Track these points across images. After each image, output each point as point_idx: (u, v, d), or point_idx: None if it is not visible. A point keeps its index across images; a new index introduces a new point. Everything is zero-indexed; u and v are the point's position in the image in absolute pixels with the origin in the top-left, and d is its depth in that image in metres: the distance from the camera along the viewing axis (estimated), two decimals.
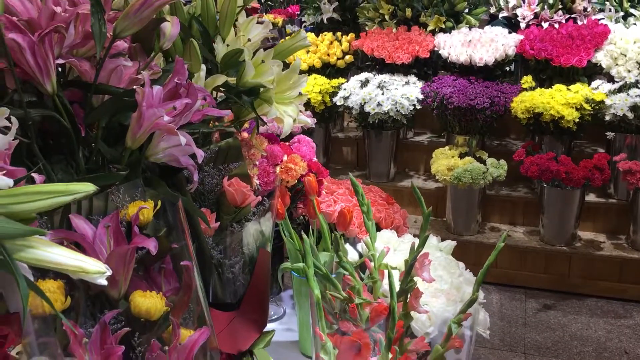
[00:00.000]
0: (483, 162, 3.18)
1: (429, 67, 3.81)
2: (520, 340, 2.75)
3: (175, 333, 0.77)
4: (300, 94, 1.10)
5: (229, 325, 0.99)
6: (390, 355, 0.77)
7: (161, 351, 0.73)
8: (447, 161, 3.15)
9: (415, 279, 0.89)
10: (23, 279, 0.43)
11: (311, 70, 3.92)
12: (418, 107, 3.47)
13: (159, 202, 0.78)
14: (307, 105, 3.63)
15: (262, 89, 1.04)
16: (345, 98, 3.54)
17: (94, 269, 0.46)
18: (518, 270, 3.27)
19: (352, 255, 1.11)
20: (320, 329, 0.80)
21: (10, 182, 0.45)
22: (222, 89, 1.04)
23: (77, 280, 0.70)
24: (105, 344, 0.67)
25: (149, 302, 0.71)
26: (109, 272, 0.47)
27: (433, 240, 1.24)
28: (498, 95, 3.25)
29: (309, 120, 1.17)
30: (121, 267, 0.69)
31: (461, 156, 3.23)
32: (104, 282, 0.47)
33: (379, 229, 1.31)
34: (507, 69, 3.69)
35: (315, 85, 3.65)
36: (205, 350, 0.81)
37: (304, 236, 0.86)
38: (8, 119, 0.62)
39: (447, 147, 3.38)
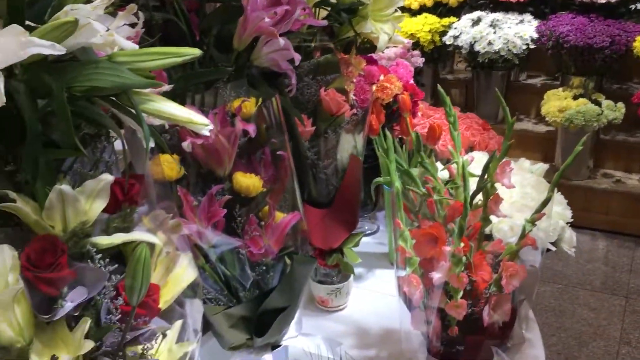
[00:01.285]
0: (598, 104, 3.03)
1: (546, 5, 3.62)
2: (624, 285, 2.67)
3: (271, 213, 0.88)
4: (396, 11, 1.14)
5: (322, 221, 1.09)
6: (462, 244, 0.83)
7: (258, 225, 0.84)
8: (559, 102, 3.03)
9: (496, 185, 0.94)
10: (146, 125, 0.54)
11: (422, 9, 3.86)
12: (532, 46, 3.34)
13: (260, 100, 0.88)
14: (416, 45, 3.60)
15: (360, 7, 1.10)
16: (455, 37, 3.48)
17: (201, 121, 0.56)
18: (630, 218, 3.12)
19: (441, 174, 1.17)
20: (400, 219, 0.88)
21: (136, 46, 0.56)
22: (323, 7, 1.11)
23: (188, 157, 0.82)
24: (210, 211, 0.79)
25: (249, 181, 0.82)
26: (212, 127, 0.57)
27: (526, 163, 1.26)
28: (619, 34, 3.05)
29: (404, 40, 1.21)
30: (227, 146, 0.79)
31: (575, 98, 3.09)
32: (207, 133, 0.57)
33: None
34: (633, 7, 3.42)
35: (425, 25, 3.61)
36: (296, 232, 0.91)
37: (387, 133, 0.93)
38: (135, 15, 0.73)
39: (560, 89, 3.24)
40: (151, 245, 0.62)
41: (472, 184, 0.94)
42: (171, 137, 0.80)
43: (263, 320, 0.85)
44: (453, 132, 1.01)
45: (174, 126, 0.82)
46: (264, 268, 0.85)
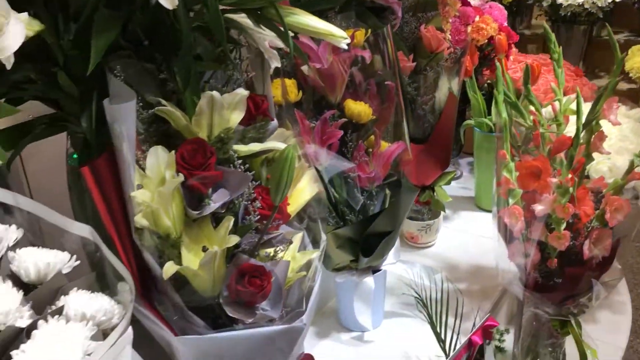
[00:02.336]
0: None
1: None
2: None
3: (377, 141, 0.91)
4: None
5: (417, 157, 1.11)
6: (569, 175, 0.84)
7: (365, 152, 0.88)
8: None
9: (601, 122, 0.93)
10: (289, 35, 0.57)
11: None
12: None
13: (369, 31, 0.90)
14: None
15: None
16: None
17: (339, 34, 0.59)
18: None
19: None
20: (506, 149, 0.89)
21: None
22: None
23: (303, 83, 0.86)
24: (325, 134, 0.83)
25: (360, 107, 0.85)
26: (349, 40, 0.59)
27: (622, 108, 1.23)
28: None
29: None
30: (339, 74, 0.82)
31: None
32: (345, 47, 0.60)
33: None
34: None
35: None
36: (398, 163, 0.94)
37: (498, 64, 0.93)
38: None
39: None
40: None
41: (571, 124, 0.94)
42: (289, 63, 0.83)
43: (368, 243, 0.89)
44: (557, 69, 1.00)
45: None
46: (369, 194, 0.89)
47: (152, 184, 0.59)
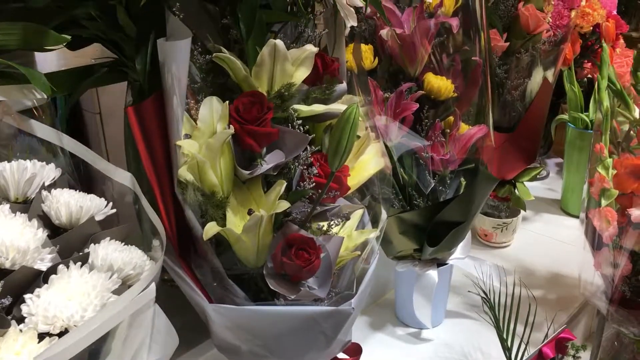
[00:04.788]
0: None
1: None
2: None
3: (456, 123, 0.82)
4: None
5: (500, 147, 1.02)
6: None
7: (442, 133, 0.80)
8: None
9: None
10: None
11: None
12: None
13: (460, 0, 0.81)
14: None
15: None
16: None
17: None
18: None
19: None
20: (604, 142, 0.79)
21: None
22: None
23: (381, 50, 0.79)
24: (399, 107, 0.75)
25: (440, 82, 0.77)
26: None
27: None
28: None
29: None
30: (423, 40, 0.75)
31: None
32: None
33: None
34: None
35: None
36: (479, 149, 0.85)
37: (605, 46, 0.82)
38: None
39: None
40: None
41: None
42: (367, 27, 0.76)
43: (435, 232, 0.81)
44: None
45: (373, 16, 0.78)
46: (441, 179, 0.81)
47: (203, 136, 0.54)
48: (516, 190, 1.08)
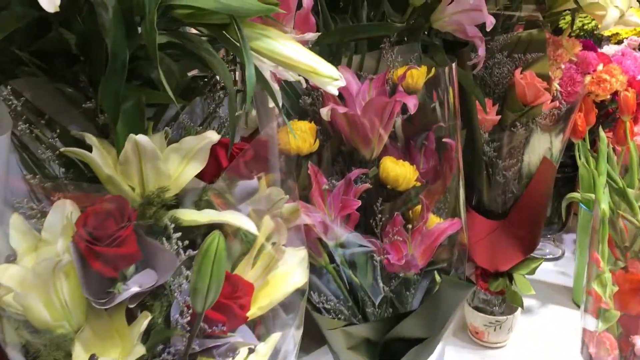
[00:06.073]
0: None
1: None
2: None
3: (423, 215, 0.68)
4: None
5: (490, 235, 0.87)
6: None
7: (403, 228, 0.66)
8: None
9: None
10: (252, 65, 0.38)
11: None
12: None
13: (433, 71, 0.69)
14: None
15: None
16: None
17: (328, 72, 0.39)
18: None
19: None
20: (600, 254, 0.64)
21: None
22: None
23: (329, 129, 0.67)
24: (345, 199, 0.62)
25: (399, 170, 0.64)
26: (342, 83, 0.40)
27: None
28: None
29: None
30: (377, 121, 0.62)
31: None
32: (335, 92, 0.40)
33: None
34: None
35: None
36: (453, 244, 0.71)
37: (602, 134, 0.68)
38: None
39: None
40: (247, 235, 0.48)
41: None
42: (313, 101, 0.64)
43: (391, 349, 0.67)
44: None
45: (317, 88, 0.66)
46: (403, 283, 0.67)
47: (49, 251, 0.43)
48: (513, 284, 0.92)
